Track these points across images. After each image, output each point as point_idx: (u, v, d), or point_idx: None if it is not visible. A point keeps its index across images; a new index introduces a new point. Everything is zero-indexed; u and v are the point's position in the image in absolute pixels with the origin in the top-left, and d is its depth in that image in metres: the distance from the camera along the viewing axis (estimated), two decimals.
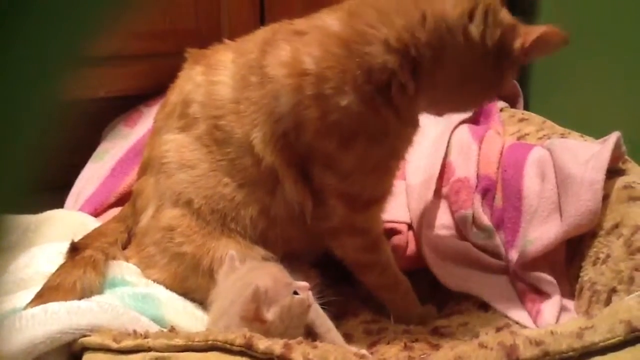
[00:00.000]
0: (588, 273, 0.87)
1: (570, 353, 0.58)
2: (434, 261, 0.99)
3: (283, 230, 0.88)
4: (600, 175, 0.88)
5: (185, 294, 0.87)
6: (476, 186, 1.06)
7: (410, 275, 0.98)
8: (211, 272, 0.85)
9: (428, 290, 1.01)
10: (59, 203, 1.10)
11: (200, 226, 0.86)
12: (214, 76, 0.87)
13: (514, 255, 0.98)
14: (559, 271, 0.93)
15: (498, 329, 0.87)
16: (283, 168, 0.84)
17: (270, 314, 0.70)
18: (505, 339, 0.62)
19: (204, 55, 0.92)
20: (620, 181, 0.92)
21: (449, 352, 0.67)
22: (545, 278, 0.91)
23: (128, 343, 0.63)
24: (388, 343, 0.86)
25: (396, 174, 0.89)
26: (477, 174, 1.07)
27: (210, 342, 0.61)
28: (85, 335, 0.66)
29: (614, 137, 0.93)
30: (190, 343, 0.61)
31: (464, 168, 1.07)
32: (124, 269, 0.87)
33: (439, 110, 0.87)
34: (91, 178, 1.10)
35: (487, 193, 1.05)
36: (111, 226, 0.95)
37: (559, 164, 0.96)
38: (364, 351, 0.72)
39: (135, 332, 0.65)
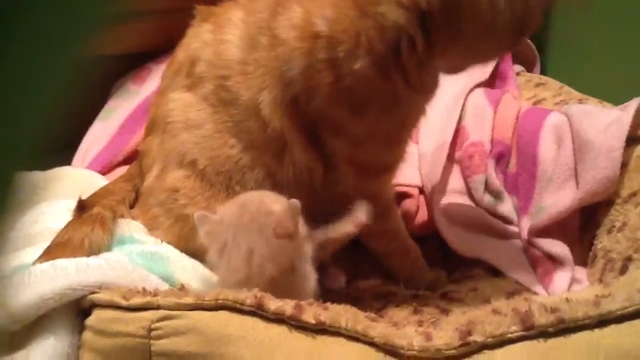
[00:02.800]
0: (602, 241, 0.86)
1: (587, 321, 0.57)
2: (445, 226, 0.98)
3: (289, 195, 0.85)
4: (620, 143, 0.86)
5: (190, 255, 0.86)
6: (490, 151, 1.04)
7: (420, 240, 0.97)
8: None
9: (438, 256, 1.00)
10: (66, 161, 1.09)
11: (204, 188, 0.84)
12: (222, 35, 0.85)
13: (526, 222, 0.96)
14: (572, 239, 0.92)
15: (508, 295, 0.86)
16: (292, 133, 0.82)
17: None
18: (519, 305, 0.61)
19: (213, 13, 0.89)
20: (638, 149, 0.89)
21: (461, 317, 0.66)
22: (558, 246, 0.90)
23: (137, 300, 0.62)
24: (397, 306, 0.86)
25: (408, 142, 0.87)
26: (492, 139, 1.05)
27: (220, 301, 0.60)
28: (94, 292, 0.65)
29: (634, 103, 0.91)
30: (200, 302, 0.61)
31: (479, 132, 1.05)
32: (132, 227, 0.86)
33: (452, 67, 0.83)
34: (99, 136, 1.09)
35: (501, 158, 1.03)
36: (119, 185, 0.94)
37: (577, 130, 0.93)
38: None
39: (144, 289, 0.65)
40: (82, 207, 0.86)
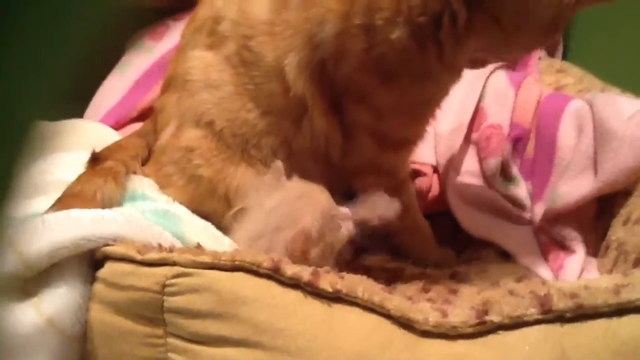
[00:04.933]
0: (616, 232, 0.85)
1: (605, 308, 0.56)
2: (457, 206, 0.98)
3: (304, 164, 0.85)
4: None
5: (202, 216, 0.85)
6: (508, 134, 1.03)
7: (431, 218, 0.97)
8: (227, 198, 0.83)
9: (448, 235, 0.99)
10: (78, 114, 1.08)
11: (220, 149, 0.83)
12: None
13: (540, 208, 0.96)
14: (587, 228, 0.91)
15: (518, 280, 0.86)
16: (314, 98, 0.80)
17: (315, 254, 0.69)
18: (537, 288, 0.61)
19: None
20: None
21: (476, 296, 0.66)
22: (571, 233, 0.89)
23: (153, 256, 0.62)
24: (406, 283, 0.85)
25: (430, 121, 0.86)
26: (511, 122, 1.04)
27: (237, 262, 0.60)
28: (108, 245, 0.64)
29: None
30: (216, 261, 0.60)
31: (498, 114, 1.04)
32: (145, 184, 0.85)
33: (486, 54, 0.82)
34: (113, 90, 1.07)
35: (518, 142, 1.02)
36: (132, 140, 0.92)
37: (599, 118, 0.92)
38: None
39: (160, 245, 0.64)
40: (95, 159, 0.84)
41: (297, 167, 0.83)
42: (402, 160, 0.88)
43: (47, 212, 0.72)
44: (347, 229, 0.74)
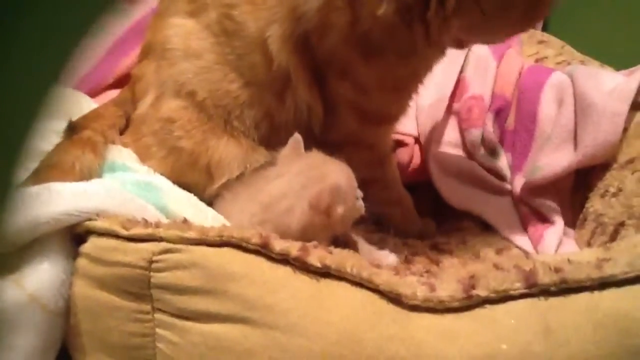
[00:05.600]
0: (594, 204, 0.87)
1: (588, 282, 0.58)
2: (439, 177, 0.98)
3: (287, 138, 0.84)
4: (625, 107, 0.86)
5: (183, 188, 0.84)
6: (489, 105, 1.03)
7: (412, 190, 0.97)
8: (209, 170, 0.82)
9: (429, 206, 1.00)
10: None
11: (201, 121, 0.81)
12: None
13: (519, 179, 0.97)
14: (564, 199, 0.93)
15: (498, 251, 0.87)
16: (298, 70, 0.79)
17: (338, 212, 0.69)
18: (522, 263, 0.62)
19: None
20: (637, 117, 0.89)
21: (462, 269, 0.66)
22: (550, 205, 0.91)
23: (138, 231, 0.60)
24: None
25: (412, 97, 0.85)
26: (492, 93, 1.04)
27: (225, 238, 0.59)
28: (90, 219, 0.63)
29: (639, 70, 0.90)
30: (204, 237, 0.59)
31: (480, 85, 1.04)
32: (124, 154, 0.83)
33: (470, 36, 0.81)
34: (87, 55, 1.03)
35: (499, 113, 1.03)
36: (110, 109, 0.89)
37: (580, 92, 0.93)
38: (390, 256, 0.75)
39: (145, 220, 0.63)
40: (72, 129, 0.82)
41: (280, 140, 0.83)
42: (384, 135, 0.88)
43: (24, 184, 0.70)
44: (360, 206, 0.75)
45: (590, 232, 0.85)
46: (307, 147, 0.86)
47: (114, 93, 0.98)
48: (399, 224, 0.93)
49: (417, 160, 1.02)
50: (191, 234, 0.59)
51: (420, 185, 1.00)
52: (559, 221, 0.89)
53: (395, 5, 0.71)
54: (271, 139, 0.83)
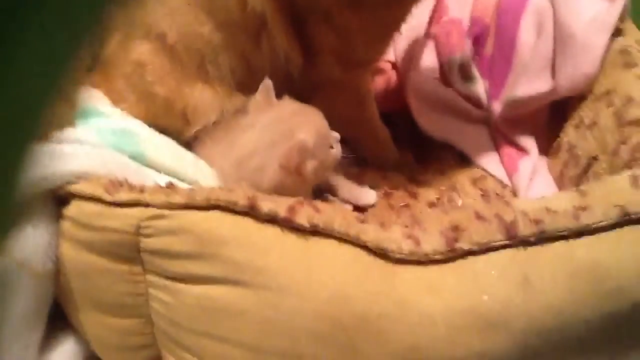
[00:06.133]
0: (568, 134, 0.88)
1: (565, 232, 0.60)
2: (416, 105, 0.98)
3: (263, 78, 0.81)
4: (604, 40, 0.85)
5: (159, 131, 0.82)
6: (468, 29, 1.01)
7: (388, 118, 0.97)
8: (185, 115, 0.80)
9: (405, 135, 1.00)
10: None
11: (173, 66, 0.78)
12: None
13: (496, 106, 0.97)
14: (538, 128, 0.94)
15: (474, 181, 0.90)
16: (275, 15, 0.75)
17: (310, 168, 0.69)
18: (503, 212, 0.63)
19: None
20: (616, 43, 0.89)
21: (444, 217, 0.68)
22: (525, 135, 0.92)
23: (123, 196, 0.60)
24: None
25: (394, 38, 0.83)
26: (470, 17, 1.01)
27: (212, 201, 0.59)
28: (71, 182, 0.62)
29: None
30: (191, 202, 0.59)
31: (458, 8, 1.01)
32: (95, 98, 0.80)
33: None
34: None
35: (478, 39, 1.01)
36: None
37: (560, 20, 0.91)
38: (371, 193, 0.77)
39: (129, 184, 0.62)
40: None
41: (257, 84, 0.80)
42: (364, 76, 0.86)
43: None
44: (337, 151, 0.75)
45: (563, 162, 0.87)
46: (284, 89, 0.84)
47: None
48: (377, 157, 0.94)
49: (393, 86, 1.01)
50: (177, 199, 0.59)
51: (396, 113, 1.00)
52: (533, 151, 0.91)
53: None
54: (248, 84, 0.81)
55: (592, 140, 0.83)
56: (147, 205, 0.59)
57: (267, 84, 0.75)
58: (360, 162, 0.93)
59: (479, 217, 0.65)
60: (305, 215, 0.60)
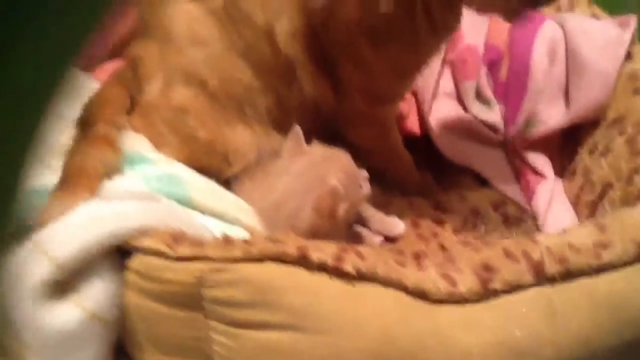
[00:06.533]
0: (583, 159, 0.94)
1: (588, 270, 0.66)
2: (436, 130, 1.03)
3: (298, 119, 0.87)
4: (616, 67, 0.90)
5: (199, 172, 0.86)
6: (483, 56, 1.05)
7: (409, 145, 1.02)
8: (226, 156, 0.85)
9: (424, 159, 1.05)
10: None
11: (214, 109, 0.83)
12: None
13: (512, 131, 1.02)
14: (553, 151, 0.99)
15: (494, 205, 0.95)
16: (304, 64, 0.81)
17: (342, 211, 0.74)
18: (529, 249, 0.69)
19: None
20: (627, 68, 0.94)
21: (475, 256, 0.73)
22: (542, 159, 0.97)
23: (185, 251, 0.65)
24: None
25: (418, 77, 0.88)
26: (485, 44, 1.06)
27: (266, 253, 0.64)
28: (135, 237, 0.67)
29: (633, 23, 0.93)
30: (247, 255, 0.64)
31: (474, 35, 1.05)
32: (139, 143, 0.85)
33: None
34: None
35: (493, 64, 1.05)
36: (114, 91, 0.89)
37: (573, 47, 0.96)
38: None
39: (189, 238, 0.67)
40: (85, 122, 0.83)
41: (291, 122, 0.86)
42: (390, 111, 0.91)
43: (54, 196, 0.72)
44: (366, 188, 0.80)
45: (579, 186, 0.92)
46: (314, 123, 0.90)
47: (111, 66, 0.97)
48: (400, 181, 0.99)
49: (413, 113, 1.06)
50: (235, 253, 0.64)
51: (416, 138, 1.05)
52: (550, 175, 0.96)
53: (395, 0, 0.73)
54: (282, 121, 0.86)
55: (606, 167, 0.88)
56: (207, 259, 0.64)
57: (297, 131, 0.81)
58: (385, 188, 0.98)
59: (508, 254, 0.71)
60: (351, 262, 0.66)
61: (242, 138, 0.84)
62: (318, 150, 0.81)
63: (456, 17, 0.78)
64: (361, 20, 0.75)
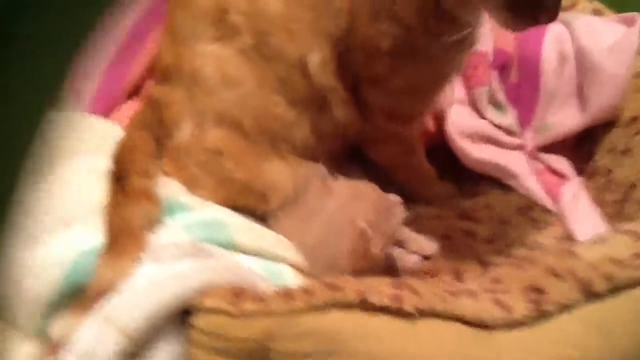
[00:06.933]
0: (603, 158, 0.96)
1: (632, 283, 0.69)
2: (454, 140, 1.04)
3: (329, 144, 0.89)
4: (625, 69, 0.92)
5: (236, 211, 0.87)
6: (492, 60, 1.07)
7: (428, 154, 1.03)
8: (264, 194, 0.86)
9: (443, 168, 1.07)
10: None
11: (250, 147, 0.84)
12: None
13: (529, 134, 1.04)
14: (570, 150, 1.02)
15: (520, 211, 0.97)
16: (336, 91, 0.83)
17: (376, 249, 0.76)
18: (574, 266, 0.72)
19: None
20: (637, 66, 0.96)
21: (521, 276, 0.76)
22: (561, 160, 1.00)
23: (248, 307, 0.66)
24: (427, 231, 0.95)
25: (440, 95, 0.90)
26: (494, 48, 1.07)
27: (328, 302, 0.66)
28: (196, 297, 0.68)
29: (638, 21, 0.95)
30: (309, 305, 0.66)
31: (482, 41, 1.06)
32: (174, 190, 0.85)
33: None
34: (88, 71, 0.98)
35: (503, 69, 1.07)
36: (139, 136, 0.88)
37: (581, 47, 0.97)
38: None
39: (250, 294, 0.68)
40: (118, 176, 0.83)
41: (325, 148, 0.88)
42: (413, 130, 0.93)
43: (106, 257, 0.73)
44: (399, 214, 0.82)
45: (601, 186, 0.95)
46: (343, 147, 0.92)
47: (128, 106, 0.97)
48: (425, 194, 1.01)
49: (431, 124, 1.07)
50: (297, 305, 0.66)
51: (436, 148, 1.06)
52: (571, 175, 0.99)
53: (393, 35, 0.74)
54: (313, 149, 0.87)
55: (628, 167, 0.91)
56: (271, 313, 0.66)
57: (322, 172, 0.82)
58: (411, 202, 1.00)
59: (553, 273, 0.73)
60: (409, 301, 0.68)
61: (279, 173, 0.85)
62: (344, 188, 0.83)
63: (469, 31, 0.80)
64: (379, 47, 0.77)
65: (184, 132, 0.85)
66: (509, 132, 1.06)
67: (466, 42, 0.83)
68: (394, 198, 0.83)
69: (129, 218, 0.78)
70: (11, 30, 0.24)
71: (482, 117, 1.06)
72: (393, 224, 0.82)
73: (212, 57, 0.81)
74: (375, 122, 0.88)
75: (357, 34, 0.79)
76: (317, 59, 0.79)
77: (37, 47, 0.24)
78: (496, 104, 1.06)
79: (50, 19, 0.25)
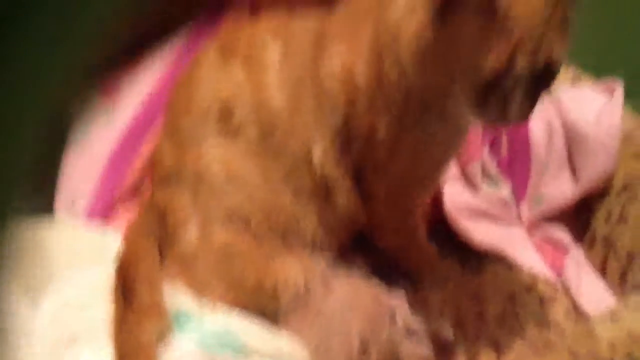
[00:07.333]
0: (600, 226, 0.97)
1: None
2: (453, 217, 1.04)
3: (337, 235, 0.88)
4: (615, 140, 0.95)
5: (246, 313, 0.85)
6: (482, 135, 1.09)
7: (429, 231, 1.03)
8: (275, 291, 0.84)
9: (441, 244, 1.07)
10: (47, 204, 0.96)
11: (259, 246, 0.83)
12: (261, 76, 0.80)
13: (524, 206, 1.05)
14: (567, 221, 1.03)
15: (527, 288, 0.97)
16: (340, 180, 0.83)
17: (374, 354, 0.75)
18: (594, 347, 0.72)
19: (236, 43, 0.82)
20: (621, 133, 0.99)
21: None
22: (561, 231, 1.01)
23: None
24: (436, 314, 0.94)
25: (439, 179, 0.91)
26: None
27: None
28: None
29: (619, 90, 0.99)
30: None
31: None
32: (182, 300, 0.83)
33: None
34: (82, 177, 0.97)
35: (493, 144, 1.09)
36: (141, 245, 0.87)
37: (568, 121, 1.00)
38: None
39: None
40: (123, 289, 0.81)
41: (333, 239, 0.88)
42: (415, 217, 0.93)
43: None
44: (402, 315, 0.81)
45: (602, 255, 0.96)
46: (350, 235, 0.91)
47: (123, 211, 0.96)
48: (426, 274, 1.01)
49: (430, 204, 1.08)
50: None
51: (435, 229, 1.06)
52: (572, 246, 0.99)
53: (386, 124, 0.76)
54: (320, 240, 0.87)
55: (627, 235, 0.93)
56: None
57: (323, 272, 0.83)
58: (418, 284, 1.00)
59: (575, 357, 0.73)
60: None
61: (290, 267, 0.84)
62: (341, 293, 0.82)
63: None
64: (374, 132, 0.78)
65: (190, 235, 0.84)
66: (505, 205, 1.06)
67: (457, 129, 0.84)
68: (396, 297, 0.82)
69: (138, 335, 0.76)
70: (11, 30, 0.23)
71: (477, 192, 1.07)
72: (392, 333, 0.81)
73: (217, 155, 0.81)
74: (378, 212, 0.88)
75: (354, 124, 0.79)
76: (321, 149, 0.80)
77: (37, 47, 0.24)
78: (490, 178, 1.07)
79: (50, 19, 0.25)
